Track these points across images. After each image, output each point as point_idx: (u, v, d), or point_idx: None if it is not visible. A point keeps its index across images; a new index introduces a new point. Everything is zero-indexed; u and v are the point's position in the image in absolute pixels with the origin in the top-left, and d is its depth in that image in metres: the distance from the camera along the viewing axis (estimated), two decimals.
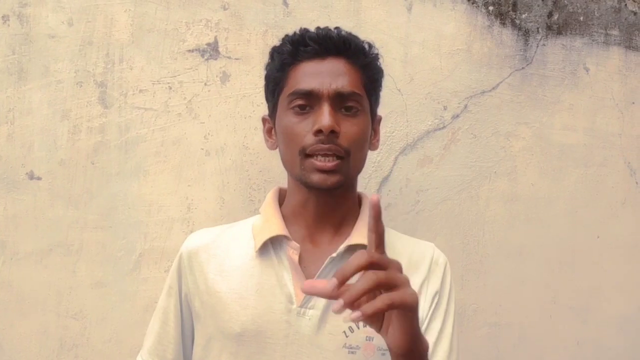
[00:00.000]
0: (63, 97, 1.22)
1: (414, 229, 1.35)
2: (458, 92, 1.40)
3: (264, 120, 1.03)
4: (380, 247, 0.69)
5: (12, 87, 1.21)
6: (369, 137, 0.98)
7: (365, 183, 1.33)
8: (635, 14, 1.55)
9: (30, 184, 1.21)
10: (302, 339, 0.89)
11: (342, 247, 0.92)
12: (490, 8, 1.44)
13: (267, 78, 1.00)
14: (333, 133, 0.88)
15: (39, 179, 1.21)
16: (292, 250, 0.92)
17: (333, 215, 0.97)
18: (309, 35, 0.95)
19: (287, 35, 0.98)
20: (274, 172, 1.28)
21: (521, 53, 1.45)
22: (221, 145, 1.28)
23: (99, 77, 1.24)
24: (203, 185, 1.27)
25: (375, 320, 0.72)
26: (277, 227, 0.94)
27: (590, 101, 1.50)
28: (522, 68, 1.45)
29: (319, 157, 0.89)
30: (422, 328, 0.92)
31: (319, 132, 0.88)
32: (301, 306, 0.90)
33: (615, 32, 1.53)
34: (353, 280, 0.67)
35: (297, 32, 0.97)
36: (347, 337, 0.89)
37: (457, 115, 1.40)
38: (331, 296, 0.66)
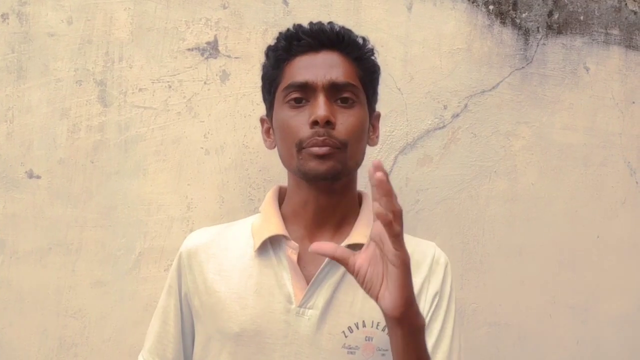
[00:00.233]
0: (62, 96, 1.22)
1: (414, 228, 1.35)
2: (458, 92, 1.40)
3: (262, 120, 1.03)
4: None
5: (11, 85, 1.20)
6: (367, 130, 0.97)
7: (366, 182, 1.33)
8: (635, 13, 1.55)
9: (29, 182, 1.21)
10: (301, 339, 0.89)
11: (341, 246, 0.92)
12: (491, 7, 1.43)
13: (264, 77, 1.00)
14: (329, 124, 0.88)
15: (38, 177, 1.21)
16: (291, 250, 0.92)
17: (333, 215, 0.96)
18: (302, 30, 0.95)
19: (281, 33, 0.99)
20: (274, 171, 1.28)
21: (521, 52, 1.45)
22: (221, 144, 1.28)
23: (99, 75, 1.24)
24: (203, 184, 1.27)
25: (375, 283, 0.73)
26: (276, 226, 0.94)
27: (591, 101, 1.50)
28: (522, 67, 1.45)
29: (315, 146, 0.89)
30: None
31: (314, 123, 0.88)
32: (300, 306, 0.90)
33: (615, 32, 1.52)
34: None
35: (291, 28, 0.97)
36: (346, 337, 0.89)
37: (457, 115, 1.40)
38: (334, 256, 0.73)
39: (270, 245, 0.94)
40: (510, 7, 1.45)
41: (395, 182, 1.36)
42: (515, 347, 1.43)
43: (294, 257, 0.92)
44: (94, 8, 1.24)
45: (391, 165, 1.36)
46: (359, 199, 1.01)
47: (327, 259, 0.91)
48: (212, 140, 1.28)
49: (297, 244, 0.92)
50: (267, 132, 1.01)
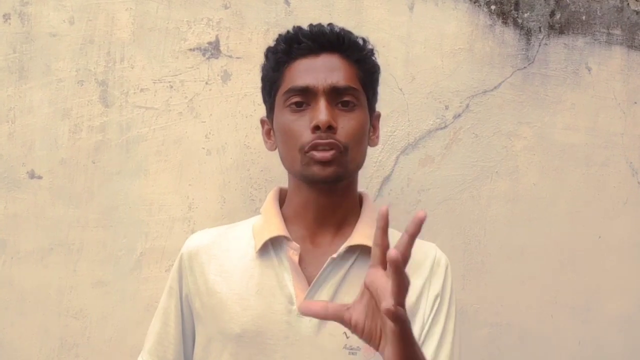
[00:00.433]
0: (64, 96, 1.22)
1: None
2: (460, 92, 1.40)
3: (262, 122, 1.03)
4: (383, 264, 0.68)
5: (13, 85, 1.21)
6: (368, 132, 0.97)
7: (367, 182, 1.33)
8: (637, 13, 1.54)
9: (31, 183, 1.21)
10: (302, 339, 0.89)
11: (342, 247, 0.92)
12: (492, 7, 1.43)
13: (263, 79, 1.00)
14: (330, 129, 0.88)
15: (39, 178, 1.21)
16: (292, 251, 0.92)
17: (334, 216, 0.96)
18: (302, 33, 0.95)
19: (280, 35, 0.98)
20: (275, 171, 1.28)
21: (523, 52, 1.45)
22: (222, 144, 1.28)
23: (100, 75, 1.24)
24: (204, 184, 1.27)
25: (374, 336, 0.71)
26: (277, 227, 0.94)
27: (592, 101, 1.49)
28: (524, 67, 1.44)
29: (318, 150, 0.89)
30: (424, 331, 0.92)
31: (316, 128, 0.88)
32: None
33: (617, 32, 1.52)
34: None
35: (291, 30, 0.97)
36: (347, 337, 0.89)
37: (459, 115, 1.40)
38: (326, 316, 0.69)
39: (271, 246, 0.94)
40: (512, 7, 1.44)
41: (397, 183, 1.36)
42: (517, 347, 1.43)
43: (295, 258, 0.91)
44: (95, 8, 1.24)
45: (392, 165, 1.36)
46: (359, 200, 1.01)
47: (328, 259, 0.91)
48: (213, 140, 1.28)
49: (298, 245, 0.92)
50: (267, 134, 1.01)
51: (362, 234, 0.93)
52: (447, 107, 1.39)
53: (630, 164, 1.52)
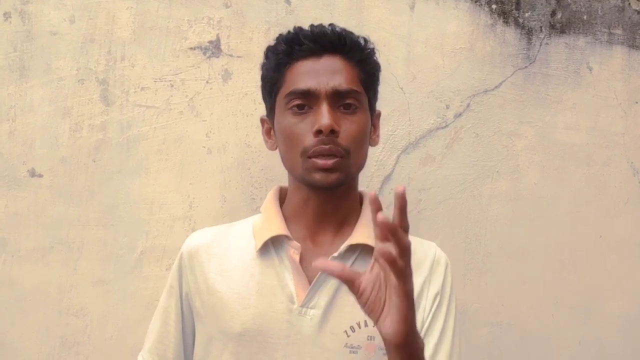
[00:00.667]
0: (65, 95, 1.22)
1: (415, 228, 1.34)
2: (461, 91, 1.40)
3: (262, 120, 1.03)
4: (386, 240, 0.69)
5: (13, 84, 1.20)
6: (369, 133, 0.97)
7: (368, 182, 1.33)
8: (638, 13, 1.54)
9: (31, 181, 1.21)
10: (303, 338, 0.89)
11: (343, 246, 0.92)
12: (494, 6, 1.43)
13: (264, 78, 0.99)
14: (333, 133, 0.88)
15: (40, 176, 1.21)
16: (293, 250, 0.92)
17: (334, 215, 0.96)
18: (303, 34, 0.94)
19: (281, 35, 0.97)
20: (276, 170, 1.28)
21: (524, 52, 1.45)
22: (223, 143, 1.28)
23: (101, 74, 1.24)
24: (205, 183, 1.27)
25: (376, 309, 0.72)
26: (277, 226, 0.94)
27: (593, 100, 1.49)
28: (525, 67, 1.44)
29: (320, 157, 0.88)
30: (424, 329, 0.92)
31: (318, 132, 0.88)
32: (302, 306, 0.90)
33: (618, 31, 1.52)
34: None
35: (292, 30, 0.96)
36: (348, 336, 0.89)
37: (460, 114, 1.40)
38: (341, 276, 0.70)
39: (272, 245, 0.94)
40: (513, 7, 1.44)
41: (398, 182, 1.35)
42: (517, 347, 1.42)
43: (296, 257, 0.91)
44: (96, 7, 1.23)
45: (393, 164, 1.36)
46: (360, 199, 1.01)
47: (329, 259, 0.91)
48: (214, 139, 1.28)
49: (299, 244, 0.92)
50: (267, 133, 1.01)
51: (363, 233, 0.93)
52: (448, 107, 1.39)
53: (631, 164, 1.52)
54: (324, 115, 0.88)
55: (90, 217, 1.23)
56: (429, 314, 0.93)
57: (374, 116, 1.01)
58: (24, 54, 1.21)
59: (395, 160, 1.36)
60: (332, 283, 0.91)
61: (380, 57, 1.02)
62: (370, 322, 0.89)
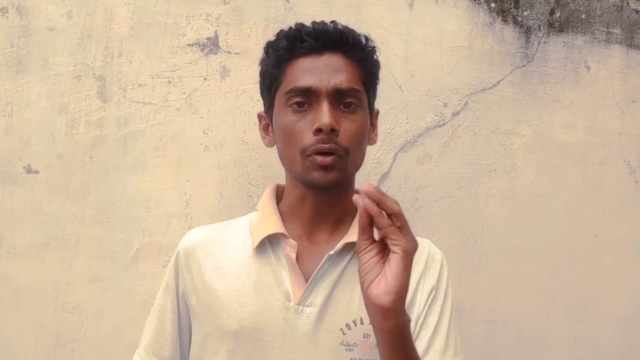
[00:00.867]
0: (61, 91, 1.22)
1: (412, 226, 1.32)
2: (459, 89, 1.40)
3: (259, 116, 1.02)
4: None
5: (10, 80, 1.20)
6: (368, 133, 0.97)
7: (365, 179, 1.33)
8: (637, 12, 1.54)
9: (27, 177, 1.20)
10: (299, 336, 0.89)
11: (339, 245, 0.92)
12: (492, 5, 1.43)
13: (263, 74, 0.99)
14: (333, 131, 0.88)
15: (36, 172, 1.21)
16: (290, 248, 0.92)
17: (331, 213, 0.96)
18: (305, 31, 0.93)
19: (282, 31, 0.96)
20: (273, 167, 1.27)
21: (522, 50, 1.45)
22: (220, 140, 1.28)
23: (98, 70, 1.23)
24: (202, 180, 1.27)
25: (374, 270, 0.74)
26: (274, 225, 0.94)
27: (591, 99, 1.49)
28: (523, 65, 1.44)
29: (319, 155, 0.88)
30: (418, 323, 0.92)
31: (318, 130, 0.87)
32: (299, 304, 0.90)
33: (617, 31, 1.52)
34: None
35: (293, 27, 0.95)
36: (344, 334, 0.89)
37: (458, 113, 1.40)
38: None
39: (268, 243, 0.94)
40: (512, 5, 1.44)
41: (395, 180, 1.36)
42: (513, 345, 1.43)
43: (293, 255, 0.91)
44: (93, 2, 1.23)
45: (391, 162, 1.36)
46: None
47: (325, 257, 0.91)
48: (211, 136, 1.27)
49: (295, 243, 0.92)
50: (265, 129, 1.01)
51: None
52: (445, 105, 1.39)
53: (627, 163, 1.52)
54: (324, 114, 0.87)
55: (86, 213, 1.22)
56: (423, 308, 0.93)
57: (373, 115, 1.01)
58: (20, 50, 1.20)
59: (393, 158, 1.36)
60: (329, 281, 0.91)
61: (379, 55, 1.02)
62: (366, 320, 0.89)
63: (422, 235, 1.04)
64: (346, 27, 0.96)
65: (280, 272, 0.92)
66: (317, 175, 0.89)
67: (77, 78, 1.22)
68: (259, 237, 0.93)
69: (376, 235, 0.76)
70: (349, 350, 0.89)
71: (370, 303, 0.74)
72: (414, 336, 0.90)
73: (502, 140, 1.43)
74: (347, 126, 0.90)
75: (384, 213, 0.73)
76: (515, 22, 1.45)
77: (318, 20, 0.97)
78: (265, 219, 0.96)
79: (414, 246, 0.73)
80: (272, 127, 0.98)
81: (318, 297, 0.90)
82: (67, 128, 1.22)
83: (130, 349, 1.20)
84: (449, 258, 1.01)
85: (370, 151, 1.33)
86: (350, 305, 0.90)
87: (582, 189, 1.49)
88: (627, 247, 1.52)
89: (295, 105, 0.90)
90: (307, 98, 0.90)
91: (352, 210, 0.98)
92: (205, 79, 1.27)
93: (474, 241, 1.41)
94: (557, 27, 1.48)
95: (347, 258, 0.93)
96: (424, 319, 0.92)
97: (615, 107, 1.52)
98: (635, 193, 1.53)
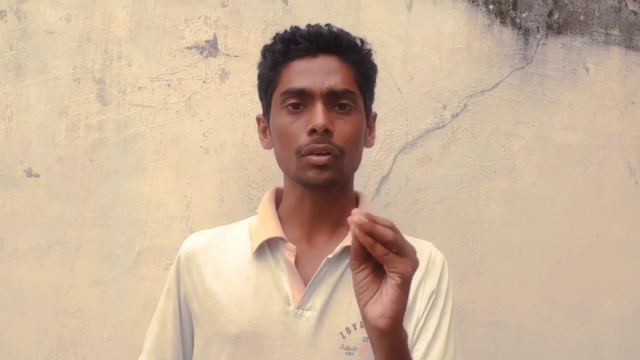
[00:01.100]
0: (61, 94, 1.22)
1: (413, 228, 1.35)
2: (458, 91, 1.40)
3: (258, 119, 1.03)
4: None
5: (9, 83, 1.20)
6: (364, 134, 0.97)
7: (365, 182, 1.33)
8: (635, 13, 1.54)
9: (28, 181, 1.21)
10: (299, 340, 0.89)
11: (338, 248, 0.92)
12: (491, 7, 1.43)
13: (260, 77, 1.00)
14: (327, 132, 0.88)
15: (37, 176, 1.21)
16: (289, 252, 0.92)
17: (329, 215, 0.96)
18: (299, 33, 0.94)
19: (278, 34, 0.98)
20: (273, 170, 1.27)
21: (521, 52, 1.45)
22: (220, 143, 1.28)
23: (97, 73, 1.24)
24: (202, 183, 1.27)
25: (370, 289, 0.72)
26: (273, 228, 0.94)
27: (590, 101, 1.49)
28: (522, 67, 1.44)
29: (314, 154, 0.89)
30: (418, 327, 0.92)
31: (312, 131, 0.88)
32: (298, 308, 0.90)
33: (615, 32, 1.52)
34: None
35: (288, 30, 0.97)
36: (344, 338, 0.89)
37: (457, 114, 1.40)
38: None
39: (267, 247, 0.94)
40: (510, 7, 1.44)
41: (395, 182, 1.36)
42: (514, 346, 1.43)
43: (292, 259, 0.91)
44: (92, 6, 1.23)
45: (390, 165, 1.36)
46: (355, 200, 1.01)
47: (324, 260, 0.91)
48: (211, 139, 1.27)
49: (294, 246, 0.92)
50: (263, 132, 1.01)
51: None
52: (445, 107, 1.39)
53: (627, 164, 1.52)
54: (318, 115, 0.88)
55: (87, 217, 1.22)
56: (423, 312, 0.93)
57: (370, 117, 1.01)
58: (20, 53, 1.21)
59: (393, 161, 1.36)
60: (328, 284, 0.91)
61: (378, 57, 1.02)
62: None
63: (423, 237, 1.05)
64: (341, 30, 0.96)
65: (280, 276, 0.92)
66: (311, 175, 0.89)
67: (76, 81, 1.23)
68: (258, 241, 0.94)
69: None
70: (349, 354, 0.89)
71: (366, 322, 0.73)
72: (413, 340, 0.90)
73: (502, 141, 1.43)
74: (342, 127, 0.90)
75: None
76: (513, 23, 1.45)
77: (316, 22, 0.97)
78: (264, 222, 0.96)
79: (413, 268, 0.70)
80: (269, 129, 0.98)
81: (317, 300, 0.90)
82: (67, 131, 1.22)
83: (132, 352, 1.20)
84: (449, 260, 1.01)
85: (370, 153, 1.33)
86: (350, 309, 0.90)
87: (582, 190, 1.49)
88: (628, 248, 1.52)
89: (290, 107, 0.91)
90: (301, 99, 0.90)
91: (350, 212, 0.98)
92: (204, 81, 1.27)
93: (475, 243, 1.41)
94: (556, 28, 1.48)
95: (346, 261, 0.92)
96: (424, 323, 0.92)
97: (615, 108, 1.51)
98: (635, 194, 1.53)
